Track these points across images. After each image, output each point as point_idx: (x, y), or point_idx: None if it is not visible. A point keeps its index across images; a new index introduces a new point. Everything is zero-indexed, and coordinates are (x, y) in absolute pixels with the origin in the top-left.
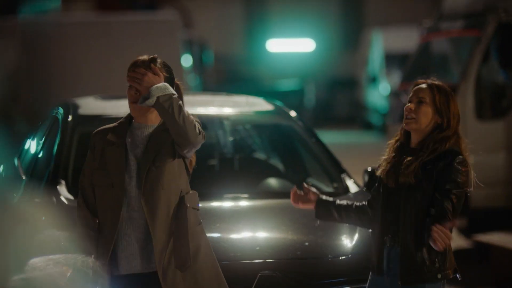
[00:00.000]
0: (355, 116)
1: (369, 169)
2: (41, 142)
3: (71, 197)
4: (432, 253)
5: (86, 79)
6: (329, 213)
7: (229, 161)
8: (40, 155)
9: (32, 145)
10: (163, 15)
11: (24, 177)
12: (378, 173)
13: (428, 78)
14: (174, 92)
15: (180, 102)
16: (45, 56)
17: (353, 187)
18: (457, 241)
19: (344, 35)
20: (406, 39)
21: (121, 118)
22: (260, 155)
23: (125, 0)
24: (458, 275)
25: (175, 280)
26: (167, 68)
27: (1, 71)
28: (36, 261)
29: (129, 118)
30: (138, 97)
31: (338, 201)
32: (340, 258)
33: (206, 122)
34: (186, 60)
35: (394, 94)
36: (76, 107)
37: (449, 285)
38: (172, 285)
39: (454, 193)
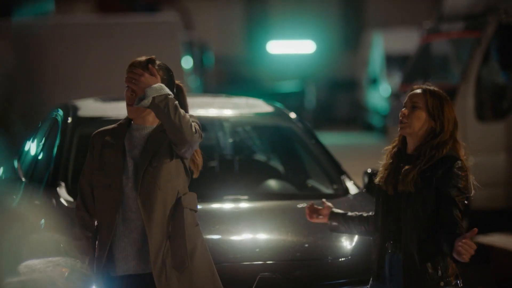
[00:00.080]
0: (355, 118)
1: (369, 170)
2: (41, 144)
3: (70, 199)
4: (434, 261)
5: (86, 81)
6: (340, 225)
7: (229, 163)
8: (39, 157)
9: (31, 147)
10: (164, 17)
11: (23, 179)
12: (377, 180)
13: (424, 83)
14: (169, 92)
15: (176, 102)
16: (41, 58)
17: (353, 189)
18: None
19: (344, 37)
20: (407, 40)
21: (120, 119)
22: (260, 157)
23: (125, 2)
24: (459, 282)
25: (170, 281)
26: (165, 69)
27: None
28: (35, 263)
29: (128, 119)
30: (134, 98)
31: (349, 213)
32: (340, 259)
33: (206, 124)
34: (187, 62)
35: (395, 96)
36: (75, 109)
37: None
38: (167, 286)
39: (459, 199)
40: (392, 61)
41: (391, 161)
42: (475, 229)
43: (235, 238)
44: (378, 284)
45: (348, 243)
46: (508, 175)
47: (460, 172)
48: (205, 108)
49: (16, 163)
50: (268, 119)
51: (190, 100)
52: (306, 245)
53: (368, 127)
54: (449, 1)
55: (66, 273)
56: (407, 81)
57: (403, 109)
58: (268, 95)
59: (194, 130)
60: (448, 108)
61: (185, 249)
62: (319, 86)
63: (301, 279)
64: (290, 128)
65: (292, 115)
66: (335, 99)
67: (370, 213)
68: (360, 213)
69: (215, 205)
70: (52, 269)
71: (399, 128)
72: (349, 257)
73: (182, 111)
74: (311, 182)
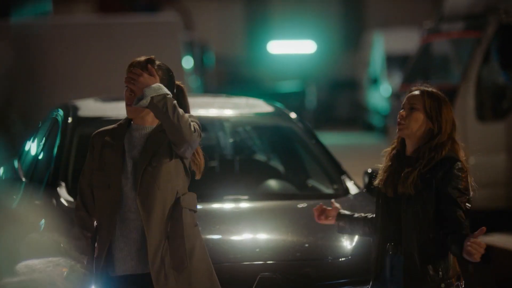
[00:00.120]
0: (356, 118)
1: (369, 170)
2: (41, 144)
3: (71, 199)
4: (435, 263)
5: (86, 81)
6: (347, 226)
7: (230, 163)
8: (40, 157)
9: (32, 147)
10: (164, 17)
11: (24, 179)
12: (376, 183)
13: (423, 84)
14: (168, 92)
15: (175, 102)
16: (42, 59)
17: (353, 189)
18: None
19: (345, 37)
20: (407, 41)
21: (121, 120)
22: (260, 157)
23: (126, 2)
24: (460, 283)
25: (168, 281)
26: (164, 69)
27: None
28: (35, 262)
29: (128, 120)
30: (133, 98)
31: (355, 215)
32: (340, 259)
33: (207, 124)
34: (187, 62)
35: (395, 96)
36: (76, 109)
37: None
38: (165, 286)
39: (461, 200)
40: (393, 61)
41: (390, 163)
42: (483, 228)
43: (235, 238)
44: (378, 285)
45: (348, 243)
46: (508, 175)
47: (460, 174)
48: (206, 108)
49: (16, 163)
50: (269, 119)
51: (190, 100)
52: (306, 245)
53: (368, 127)
54: (449, 1)
55: (65, 273)
56: (408, 81)
57: (401, 111)
58: (268, 95)
59: (193, 129)
60: (446, 109)
61: (183, 249)
62: (320, 86)
63: (301, 279)
64: (290, 128)
65: (293, 115)
66: (336, 99)
67: (374, 215)
68: (365, 215)
69: (216, 205)
70: (52, 269)
71: (397, 130)
72: (349, 257)
73: (180, 110)
74: (311, 182)
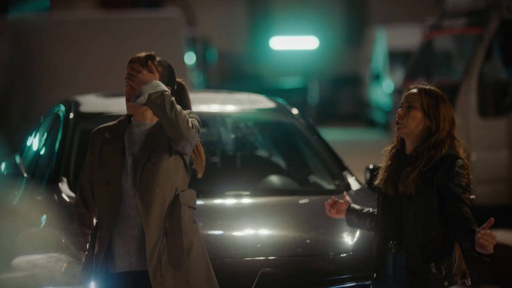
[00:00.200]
0: (358, 114)
1: (371, 166)
2: (43, 139)
3: (72, 194)
4: (438, 261)
5: (88, 77)
6: (356, 221)
7: (231, 159)
8: (41, 153)
9: (33, 143)
10: (166, 13)
11: (25, 175)
12: (376, 182)
13: (422, 82)
14: (166, 88)
15: (173, 98)
16: (43, 55)
17: (354, 185)
18: None
19: (347, 33)
20: (410, 37)
21: (122, 115)
22: (262, 153)
23: None
24: (466, 281)
25: (165, 278)
26: (165, 65)
27: None
28: (37, 258)
29: (128, 116)
30: (133, 94)
31: (365, 209)
32: (342, 255)
33: (208, 119)
34: (190, 58)
35: (398, 92)
36: (77, 104)
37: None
38: (162, 283)
39: (465, 196)
40: (395, 57)
41: (390, 162)
42: (492, 219)
43: (236, 233)
44: (379, 284)
45: (349, 238)
46: (511, 171)
47: (461, 171)
48: (207, 103)
49: (18, 159)
50: (270, 115)
51: (192, 96)
52: (308, 241)
53: (370, 123)
54: None
55: (63, 268)
56: (410, 77)
57: (398, 110)
58: (271, 91)
59: (191, 125)
60: (444, 106)
61: (181, 246)
62: (322, 82)
63: (303, 275)
64: (292, 124)
65: (294, 111)
66: (338, 95)
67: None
68: (373, 210)
69: (217, 201)
70: (53, 265)
71: (396, 129)
72: (351, 253)
73: (178, 107)
74: (313, 178)
